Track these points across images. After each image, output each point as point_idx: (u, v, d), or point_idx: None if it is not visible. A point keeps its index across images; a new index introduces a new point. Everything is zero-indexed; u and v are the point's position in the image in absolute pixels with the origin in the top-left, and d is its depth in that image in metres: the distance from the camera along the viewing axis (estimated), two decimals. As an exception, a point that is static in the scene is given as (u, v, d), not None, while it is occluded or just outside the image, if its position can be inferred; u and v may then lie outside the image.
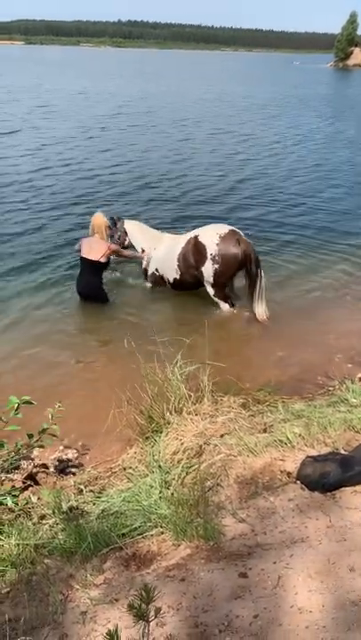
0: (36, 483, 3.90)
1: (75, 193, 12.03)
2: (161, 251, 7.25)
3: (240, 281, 6.90)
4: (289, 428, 3.88)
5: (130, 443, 4.22)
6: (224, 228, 6.60)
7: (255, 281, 6.49)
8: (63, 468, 4.11)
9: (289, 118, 26.76)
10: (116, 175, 13.84)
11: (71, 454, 4.27)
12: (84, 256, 6.84)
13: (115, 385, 4.81)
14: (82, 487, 3.73)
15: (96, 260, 6.80)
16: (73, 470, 4.10)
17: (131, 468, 3.83)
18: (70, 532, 3.03)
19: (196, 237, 6.64)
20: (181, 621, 2.25)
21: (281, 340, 6.23)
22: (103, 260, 6.85)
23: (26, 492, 3.69)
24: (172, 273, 7.06)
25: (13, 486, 3.64)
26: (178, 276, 7.00)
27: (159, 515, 3.07)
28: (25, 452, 3.73)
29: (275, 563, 2.54)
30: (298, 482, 3.25)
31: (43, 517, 3.30)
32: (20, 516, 3.33)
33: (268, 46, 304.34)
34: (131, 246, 7.59)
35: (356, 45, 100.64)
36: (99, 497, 3.52)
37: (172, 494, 3.28)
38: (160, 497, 3.24)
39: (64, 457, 4.21)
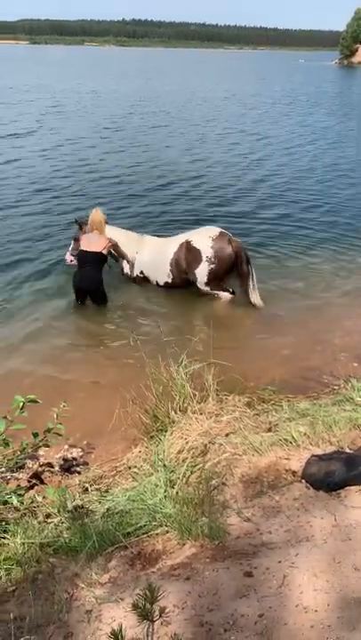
0: (42, 481, 3.91)
1: (95, 194, 11.89)
2: (146, 254, 7.32)
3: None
4: (294, 426, 3.87)
5: (135, 442, 4.23)
6: (214, 230, 6.93)
7: (247, 276, 6.80)
8: (68, 466, 4.12)
9: (300, 116, 26.71)
10: (133, 176, 13.78)
11: (76, 453, 4.27)
12: (85, 249, 6.81)
13: (120, 384, 4.82)
14: (87, 486, 3.74)
15: (98, 251, 6.79)
16: (78, 469, 4.11)
17: (136, 466, 3.84)
18: (75, 531, 3.03)
19: (188, 242, 6.89)
20: (186, 620, 2.25)
21: (286, 339, 6.22)
22: (105, 252, 6.87)
23: (31, 491, 3.69)
24: (163, 277, 7.24)
25: (19, 485, 3.65)
26: (170, 280, 7.21)
27: (164, 514, 3.07)
28: (30, 451, 3.73)
29: (280, 562, 2.54)
30: (303, 481, 3.24)
31: (48, 516, 3.30)
32: (25, 514, 3.33)
33: (272, 44, 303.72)
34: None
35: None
36: (104, 496, 3.52)
37: (177, 493, 3.28)
38: (165, 496, 3.24)
39: (69, 456, 4.22)
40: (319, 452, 3.50)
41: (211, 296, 7.13)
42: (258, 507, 3.06)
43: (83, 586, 2.61)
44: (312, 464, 3.25)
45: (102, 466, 4.12)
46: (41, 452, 4.12)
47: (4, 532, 3.10)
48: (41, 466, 4.02)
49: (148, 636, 1.34)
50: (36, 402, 3.40)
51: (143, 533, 2.99)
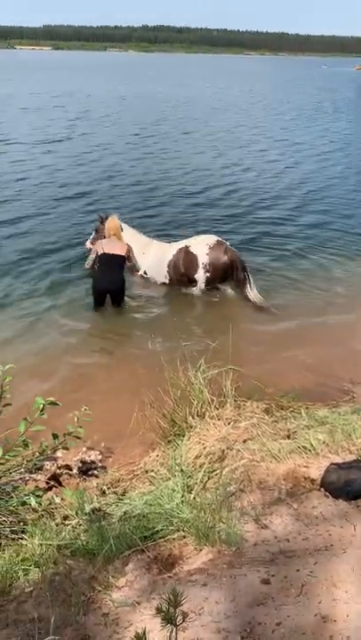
0: (60, 484, 3.93)
1: (127, 200, 11.88)
2: (150, 256, 7.65)
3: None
4: (313, 434, 3.85)
5: (152, 446, 4.23)
6: (212, 239, 7.38)
7: (244, 283, 7.23)
8: (86, 469, 4.13)
9: (329, 123, 26.69)
10: (165, 181, 13.83)
11: (94, 456, 4.29)
12: (109, 252, 6.94)
13: (138, 388, 4.84)
14: (104, 489, 3.75)
15: (122, 254, 7.00)
16: (96, 472, 4.13)
17: (153, 471, 3.84)
18: (93, 534, 3.04)
19: (187, 248, 7.36)
20: (203, 627, 2.24)
21: (305, 346, 6.19)
22: (127, 256, 7.09)
23: (49, 493, 3.72)
24: (160, 278, 7.65)
25: (37, 487, 3.68)
26: (167, 281, 7.65)
27: (181, 519, 3.06)
28: (49, 452, 3.76)
29: (298, 570, 2.52)
30: (322, 489, 3.22)
31: (66, 518, 3.32)
32: (43, 516, 3.36)
33: (294, 50, 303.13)
34: None
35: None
36: (121, 499, 3.53)
37: (195, 498, 3.27)
38: (182, 501, 3.24)
39: (87, 458, 4.24)
40: (338, 460, 3.47)
41: (230, 303, 7.31)
42: (276, 514, 3.04)
43: (100, 589, 2.62)
44: (331, 472, 3.22)
45: (120, 469, 4.13)
46: (59, 453, 4.15)
47: (23, 532, 3.13)
48: (59, 468, 4.05)
49: (169, 640, 1.34)
50: (56, 404, 3.42)
51: (160, 538, 2.99)
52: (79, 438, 3.63)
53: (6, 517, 3.21)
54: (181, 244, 7.55)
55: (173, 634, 1.32)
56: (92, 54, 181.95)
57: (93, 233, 7.85)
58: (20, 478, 3.63)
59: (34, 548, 2.95)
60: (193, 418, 4.11)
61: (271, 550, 2.73)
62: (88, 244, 7.80)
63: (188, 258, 7.28)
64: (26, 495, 3.41)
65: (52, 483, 3.89)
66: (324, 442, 3.74)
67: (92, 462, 4.21)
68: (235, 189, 13.41)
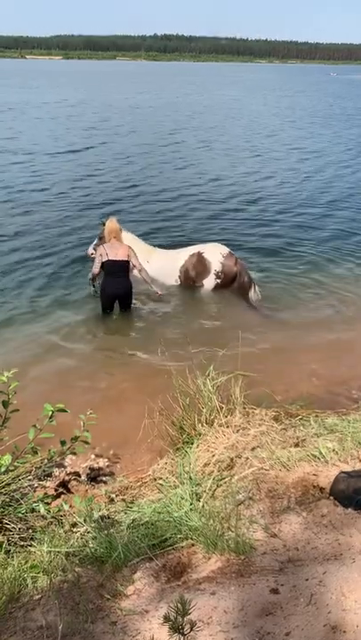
0: (68, 490, 3.94)
1: (165, 215, 11.80)
2: (156, 263, 7.79)
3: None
4: (322, 442, 3.83)
5: (161, 453, 4.23)
6: (224, 249, 7.81)
7: (247, 290, 7.63)
8: (95, 476, 4.14)
9: (345, 130, 26.72)
10: (191, 189, 13.85)
11: (102, 463, 4.29)
12: (113, 259, 6.93)
13: (146, 395, 4.83)
14: (113, 496, 3.75)
15: (125, 259, 6.97)
16: (104, 479, 4.13)
17: (161, 478, 3.83)
18: (101, 541, 3.04)
19: (200, 254, 7.71)
20: (212, 636, 2.23)
21: (315, 353, 6.16)
22: (129, 259, 7.04)
23: (58, 500, 3.72)
24: (170, 281, 7.89)
25: (46, 493, 3.68)
26: (176, 285, 7.92)
27: (190, 527, 3.05)
28: (58, 459, 3.77)
29: (307, 580, 2.50)
30: (331, 498, 3.19)
31: (74, 525, 3.32)
32: (51, 523, 3.36)
33: (302, 57, 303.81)
34: None
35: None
36: (129, 507, 3.53)
37: (203, 506, 3.26)
38: (191, 509, 3.23)
39: (95, 465, 4.24)
40: (348, 468, 3.45)
41: (239, 310, 7.38)
42: (285, 523, 3.03)
43: (108, 597, 2.61)
44: (341, 481, 3.20)
45: (128, 476, 4.13)
46: (68, 460, 4.16)
47: (32, 539, 3.14)
48: (68, 475, 4.05)
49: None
50: (65, 411, 3.43)
51: (169, 546, 2.98)
52: (87, 443, 3.63)
53: (15, 524, 3.22)
54: (191, 250, 7.86)
55: (182, 643, 1.31)
56: (103, 63, 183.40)
57: (96, 239, 7.84)
58: (29, 485, 3.63)
59: (42, 555, 2.95)
60: (202, 425, 4.10)
61: (280, 559, 2.72)
62: (90, 251, 7.82)
63: (201, 264, 7.66)
64: (35, 502, 3.41)
65: (61, 489, 3.90)
66: (333, 450, 3.72)
67: (101, 469, 4.21)
68: (257, 198, 13.43)
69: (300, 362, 6.00)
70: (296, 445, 3.92)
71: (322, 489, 3.30)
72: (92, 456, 4.37)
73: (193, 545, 2.96)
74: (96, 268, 7.15)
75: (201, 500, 3.35)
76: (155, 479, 3.91)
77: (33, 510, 3.37)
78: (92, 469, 4.19)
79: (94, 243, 7.85)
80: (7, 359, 5.70)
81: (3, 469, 3.38)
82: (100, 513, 3.38)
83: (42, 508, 3.36)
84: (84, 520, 3.29)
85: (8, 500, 3.30)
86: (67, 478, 4.03)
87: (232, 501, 3.25)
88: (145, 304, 7.47)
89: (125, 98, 41.18)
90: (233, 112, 33.96)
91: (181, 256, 7.85)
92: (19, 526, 3.22)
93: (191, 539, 2.99)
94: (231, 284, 7.69)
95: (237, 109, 35.54)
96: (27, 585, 2.77)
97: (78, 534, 3.20)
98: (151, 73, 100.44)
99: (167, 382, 4.51)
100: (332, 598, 2.37)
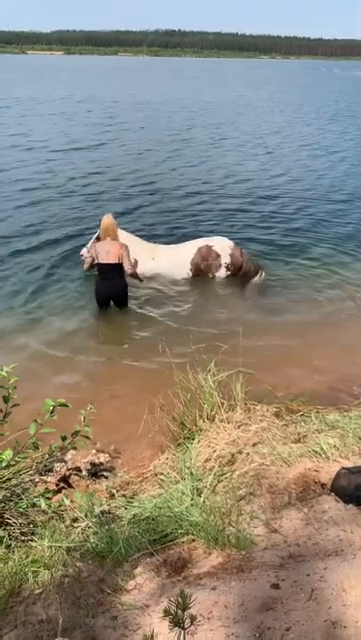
0: (69, 485, 3.94)
1: (184, 213, 11.57)
2: (164, 259, 7.95)
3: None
4: (323, 438, 3.83)
5: (162, 449, 4.23)
6: (229, 241, 8.14)
7: (251, 277, 8.02)
8: (95, 471, 4.14)
9: (352, 126, 26.47)
10: (217, 191, 13.60)
11: (103, 458, 4.29)
12: (104, 262, 6.78)
13: (147, 390, 4.83)
14: (113, 491, 3.75)
15: (116, 262, 6.79)
16: (105, 474, 4.13)
17: (162, 474, 3.84)
18: (102, 536, 3.04)
19: (209, 247, 7.98)
20: (212, 631, 2.23)
21: (316, 349, 6.15)
22: (121, 260, 6.85)
23: (59, 495, 3.73)
24: (182, 275, 8.01)
25: (47, 488, 3.68)
26: (188, 277, 8.07)
27: (191, 522, 3.05)
28: (59, 454, 3.77)
29: (308, 575, 2.50)
30: (332, 493, 3.19)
31: (75, 520, 3.32)
32: (52, 518, 3.37)
33: (304, 53, 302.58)
34: None
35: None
36: (130, 502, 3.53)
37: (204, 502, 3.26)
38: (192, 504, 3.23)
39: (96, 461, 4.24)
40: (349, 464, 3.44)
41: (241, 306, 7.43)
42: (286, 518, 3.03)
43: (109, 591, 2.61)
44: (342, 477, 3.20)
45: (129, 472, 4.13)
46: (69, 455, 4.16)
47: (32, 534, 3.14)
48: (69, 470, 4.05)
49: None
50: (66, 406, 3.43)
51: (169, 541, 2.98)
52: (88, 438, 3.63)
53: (16, 519, 3.22)
54: (197, 244, 8.08)
55: (182, 637, 1.31)
56: (105, 58, 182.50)
57: (92, 240, 7.71)
58: (30, 480, 3.64)
59: (43, 549, 2.96)
60: (203, 421, 4.10)
61: (281, 555, 2.72)
62: (85, 252, 7.70)
63: (212, 257, 7.97)
64: (36, 497, 3.42)
65: (62, 484, 3.90)
66: (334, 446, 3.72)
67: (101, 464, 4.21)
68: (274, 194, 13.30)
69: (301, 358, 5.99)
70: (297, 441, 3.92)
71: (323, 485, 3.30)
72: (94, 451, 4.36)
73: (194, 540, 2.96)
74: (86, 265, 7.12)
75: (202, 495, 3.36)
76: (156, 474, 3.91)
77: (34, 505, 3.37)
78: (93, 464, 4.19)
79: (90, 243, 7.74)
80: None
81: (4, 464, 3.38)
82: (101, 508, 3.39)
83: (43, 503, 3.37)
84: (85, 515, 3.29)
85: (9, 494, 3.31)
86: (68, 473, 4.03)
87: (233, 497, 3.25)
88: (146, 299, 7.45)
89: (130, 94, 40.88)
90: (240, 108, 33.66)
91: (189, 250, 8.03)
92: (20, 521, 3.22)
93: (192, 534, 2.99)
94: (238, 273, 8.05)
95: (244, 105, 35.25)
96: (27, 579, 2.77)
97: (79, 529, 3.21)
98: (154, 69, 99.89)
99: (168, 378, 4.51)
100: (333, 594, 2.37)
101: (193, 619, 1.30)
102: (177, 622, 1.27)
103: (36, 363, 5.90)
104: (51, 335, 6.54)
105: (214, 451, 3.77)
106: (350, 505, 3.06)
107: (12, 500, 3.31)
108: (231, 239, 8.31)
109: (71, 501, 3.50)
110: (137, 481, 3.96)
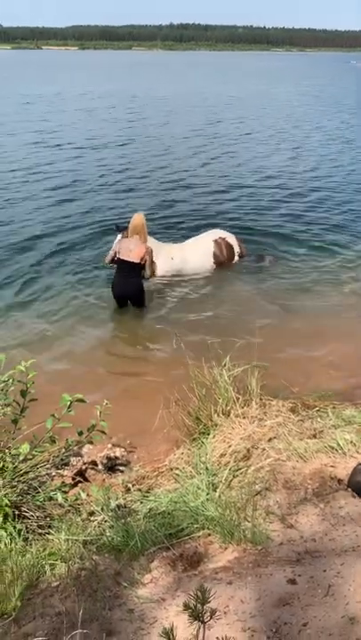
0: (86, 479, 3.97)
1: (216, 210, 11.47)
2: (183, 256, 8.05)
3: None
4: (340, 434, 3.81)
5: (177, 443, 4.24)
6: (229, 233, 8.72)
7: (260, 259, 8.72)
8: (111, 465, 4.16)
9: None
10: (246, 188, 13.45)
11: (119, 452, 4.32)
12: (124, 258, 6.78)
13: (163, 385, 4.85)
14: (129, 486, 3.77)
15: (137, 262, 6.79)
16: (121, 468, 4.15)
17: (178, 468, 3.84)
18: (118, 530, 3.06)
19: (224, 239, 8.47)
20: (229, 625, 2.23)
21: (332, 344, 6.11)
22: (143, 262, 6.88)
23: (75, 489, 3.76)
24: (207, 268, 8.28)
25: (63, 482, 3.71)
26: (211, 269, 8.34)
27: (206, 516, 3.06)
28: (75, 448, 3.79)
29: (325, 571, 2.49)
30: (349, 489, 3.18)
31: (91, 514, 3.34)
32: (69, 511, 3.39)
33: (320, 45, 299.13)
34: None
35: None
36: (146, 496, 3.55)
37: (220, 497, 3.27)
38: (207, 499, 3.24)
39: (112, 455, 4.27)
40: (366, 460, 3.42)
41: (255, 301, 7.42)
42: (302, 514, 3.02)
43: (125, 585, 2.63)
44: (359, 473, 3.18)
45: (145, 466, 4.15)
46: (85, 449, 4.19)
47: (49, 527, 3.17)
48: (85, 464, 4.08)
49: (197, 638, 1.34)
50: (83, 401, 3.45)
51: (185, 535, 2.99)
52: (104, 433, 3.65)
53: (33, 512, 3.25)
54: (209, 237, 8.42)
55: (201, 631, 1.31)
56: (119, 53, 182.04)
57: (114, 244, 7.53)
58: (47, 474, 3.67)
59: (60, 542, 2.98)
60: (218, 416, 4.09)
61: (297, 550, 2.71)
62: (108, 259, 7.43)
63: (228, 249, 8.46)
64: (52, 491, 3.44)
65: (79, 478, 3.93)
66: (351, 441, 3.70)
67: (117, 459, 4.23)
68: (308, 190, 13.19)
69: (317, 353, 5.95)
70: (313, 437, 3.90)
71: (340, 480, 3.29)
72: (110, 445, 4.39)
73: (209, 535, 2.97)
74: (108, 258, 7.12)
75: (217, 490, 3.36)
76: (171, 469, 3.92)
77: (51, 499, 3.40)
78: (109, 458, 4.22)
79: (112, 250, 7.48)
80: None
81: (21, 458, 3.41)
82: (117, 502, 3.41)
83: (59, 497, 3.39)
84: (102, 509, 3.31)
85: (26, 488, 3.34)
86: (84, 467, 4.06)
87: (248, 492, 3.25)
88: (161, 295, 7.46)
89: (149, 88, 40.65)
90: (264, 102, 33.21)
91: (207, 244, 8.33)
92: (37, 514, 3.25)
93: (208, 528, 3.00)
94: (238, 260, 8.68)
95: (267, 100, 34.73)
96: (45, 572, 2.80)
97: (95, 523, 3.23)
98: (169, 63, 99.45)
99: (183, 373, 4.52)
100: (351, 590, 2.36)
101: (213, 613, 1.31)
102: (197, 616, 1.28)
103: (49, 359, 5.94)
104: (64, 334, 6.56)
105: (230, 446, 3.77)
106: (367, 501, 3.04)
107: (29, 494, 3.34)
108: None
109: (87, 495, 3.52)
110: (152, 475, 3.97)
